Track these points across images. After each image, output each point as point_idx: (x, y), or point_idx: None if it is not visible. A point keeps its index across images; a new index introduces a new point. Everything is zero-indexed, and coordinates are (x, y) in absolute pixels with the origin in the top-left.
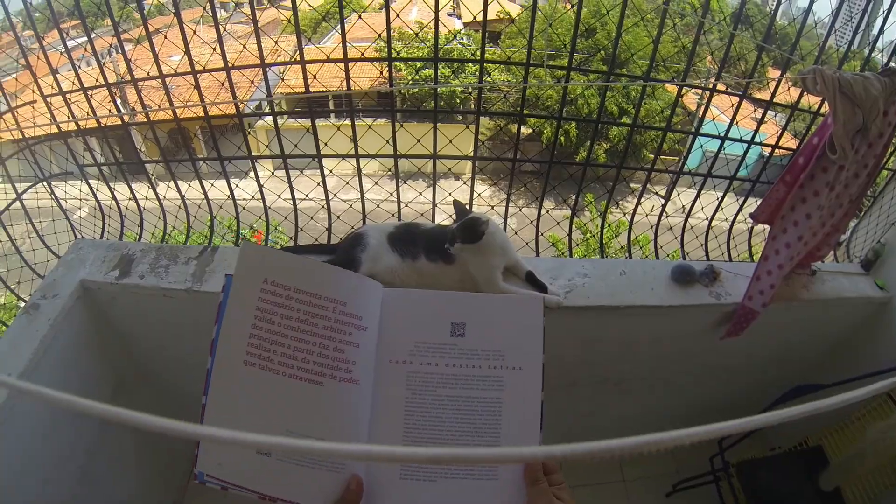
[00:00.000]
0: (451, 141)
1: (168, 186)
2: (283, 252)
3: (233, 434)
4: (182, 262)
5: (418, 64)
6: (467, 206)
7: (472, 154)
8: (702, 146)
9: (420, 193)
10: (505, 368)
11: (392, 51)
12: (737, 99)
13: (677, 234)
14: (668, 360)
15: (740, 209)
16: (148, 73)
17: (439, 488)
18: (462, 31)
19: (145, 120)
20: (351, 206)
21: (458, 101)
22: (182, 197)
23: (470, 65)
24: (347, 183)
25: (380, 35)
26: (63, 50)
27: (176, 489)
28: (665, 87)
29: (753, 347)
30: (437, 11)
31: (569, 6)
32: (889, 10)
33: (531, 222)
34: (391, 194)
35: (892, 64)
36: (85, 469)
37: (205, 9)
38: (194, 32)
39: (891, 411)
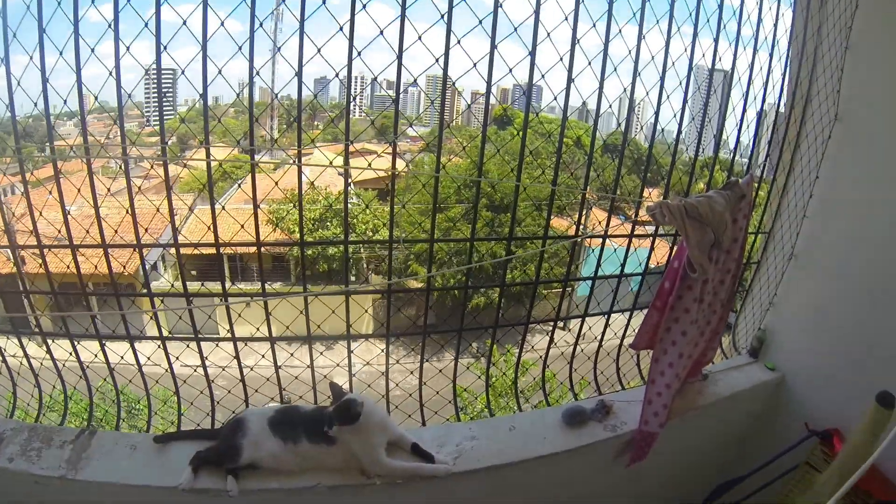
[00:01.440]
0: (319, 326)
1: (41, 362)
2: None
3: None
4: (57, 445)
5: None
6: (344, 386)
7: (345, 333)
8: (576, 287)
9: (296, 377)
10: None
11: (278, 213)
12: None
13: (577, 368)
14: (582, 501)
15: (623, 338)
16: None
17: None
18: (352, 190)
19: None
20: (230, 391)
21: (351, 263)
22: (59, 373)
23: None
24: (224, 369)
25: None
26: None
27: None
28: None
29: (664, 464)
30: (301, 204)
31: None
32: (720, 130)
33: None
34: (267, 379)
35: (737, 160)
36: None
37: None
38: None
39: (813, 478)
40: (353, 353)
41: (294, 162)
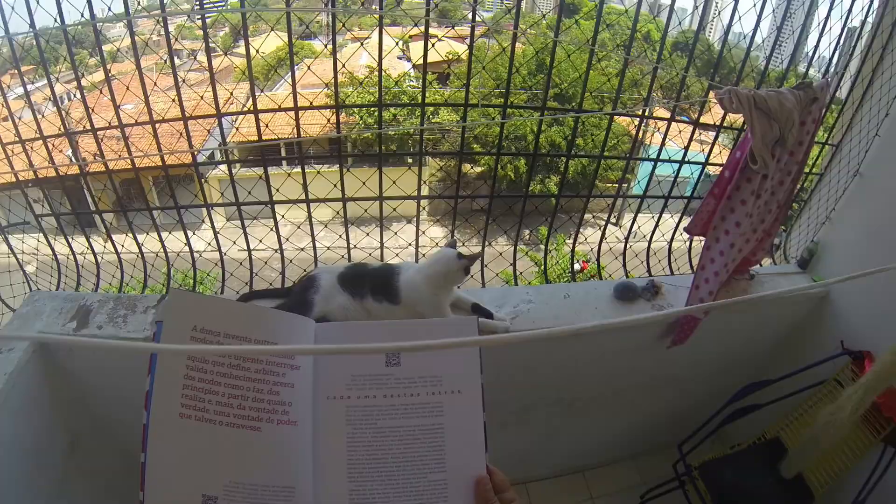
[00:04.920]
0: (394, 182)
1: (125, 237)
2: (210, 297)
3: None
4: (140, 310)
5: (370, 108)
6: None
7: (416, 194)
8: (635, 170)
9: (367, 234)
10: (443, 394)
11: (340, 98)
12: (683, 124)
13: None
14: (618, 375)
15: (677, 226)
16: (109, 123)
17: None
18: (411, 74)
19: (103, 169)
20: (303, 250)
21: (410, 143)
22: (139, 246)
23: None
24: (299, 227)
25: (326, 84)
26: (17, 95)
27: None
28: (615, 117)
29: (701, 353)
30: (380, 61)
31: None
32: (801, 30)
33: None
34: (340, 236)
35: (809, 76)
36: None
37: (161, 57)
38: (155, 84)
39: (839, 395)
40: (404, 239)
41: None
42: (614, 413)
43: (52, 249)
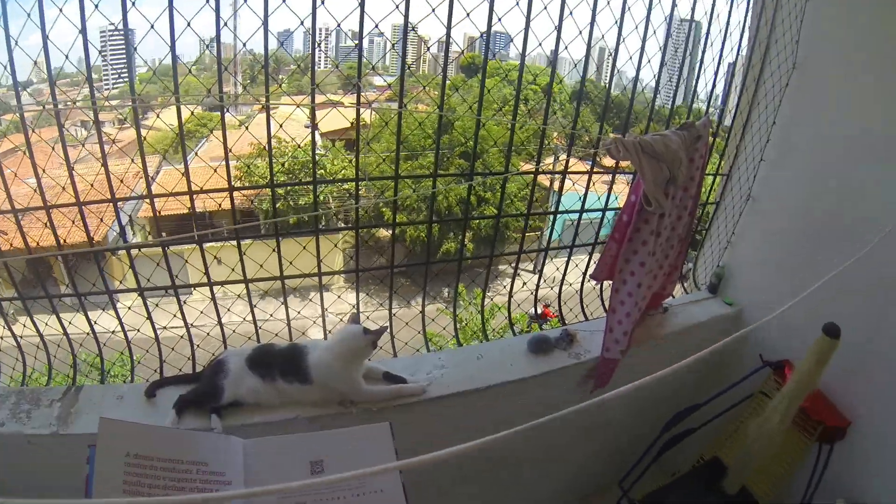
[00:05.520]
0: (291, 263)
1: (23, 326)
2: (140, 425)
3: None
4: (45, 405)
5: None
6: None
7: (316, 271)
8: (551, 224)
9: (270, 315)
10: (368, 493)
11: (249, 168)
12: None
13: (539, 303)
14: (549, 427)
15: (585, 271)
16: None
17: None
18: (318, 142)
19: None
20: (208, 334)
21: (320, 213)
22: (40, 335)
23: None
24: (202, 312)
25: (216, 169)
26: None
27: None
28: (519, 167)
29: (626, 392)
30: (269, 141)
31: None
32: (698, 74)
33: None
34: (244, 319)
35: (711, 110)
36: None
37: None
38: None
39: (766, 406)
40: (323, 306)
41: (263, 105)
42: (549, 462)
43: None
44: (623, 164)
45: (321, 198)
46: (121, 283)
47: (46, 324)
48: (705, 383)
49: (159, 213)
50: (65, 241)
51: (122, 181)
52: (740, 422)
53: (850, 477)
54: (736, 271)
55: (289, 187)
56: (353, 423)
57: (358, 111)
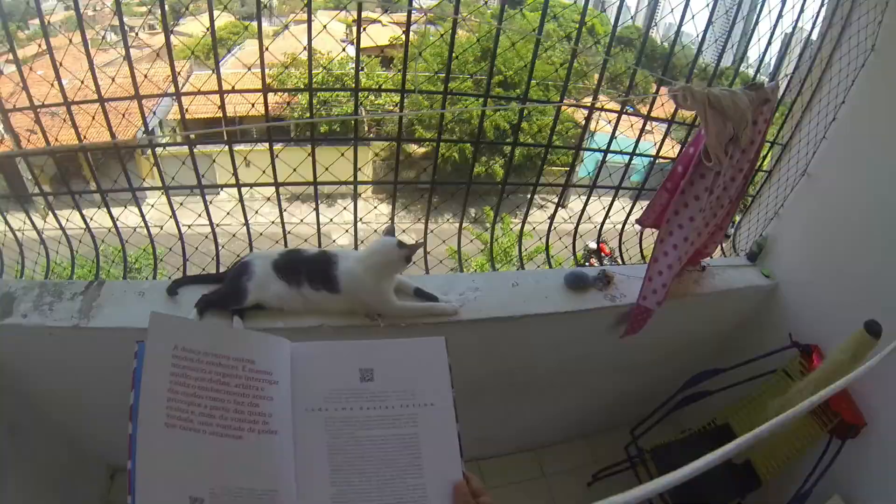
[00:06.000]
0: (326, 169)
1: (45, 221)
2: (191, 321)
3: None
4: (67, 298)
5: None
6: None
7: (352, 179)
8: (586, 157)
9: (301, 220)
10: (417, 406)
11: (280, 79)
12: (633, 116)
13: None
14: (573, 361)
15: (629, 215)
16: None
17: None
18: (353, 56)
19: (17, 151)
20: (234, 235)
21: (351, 124)
22: (63, 230)
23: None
24: (228, 213)
25: (249, 68)
26: None
27: None
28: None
29: (654, 342)
30: (310, 41)
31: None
32: (752, 32)
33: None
34: (273, 222)
35: (758, 79)
36: None
37: (98, 32)
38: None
39: (788, 386)
40: (357, 215)
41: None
42: (568, 395)
43: None
44: (682, 114)
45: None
46: (143, 181)
47: (67, 219)
48: (729, 349)
49: (189, 114)
50: (85, 137)
51: (146, 76)
52: (758, 394)
53: (851, 475)
54: (778, 244)
55: (327, 92)
56: (381, 336)
57: (409, 15)
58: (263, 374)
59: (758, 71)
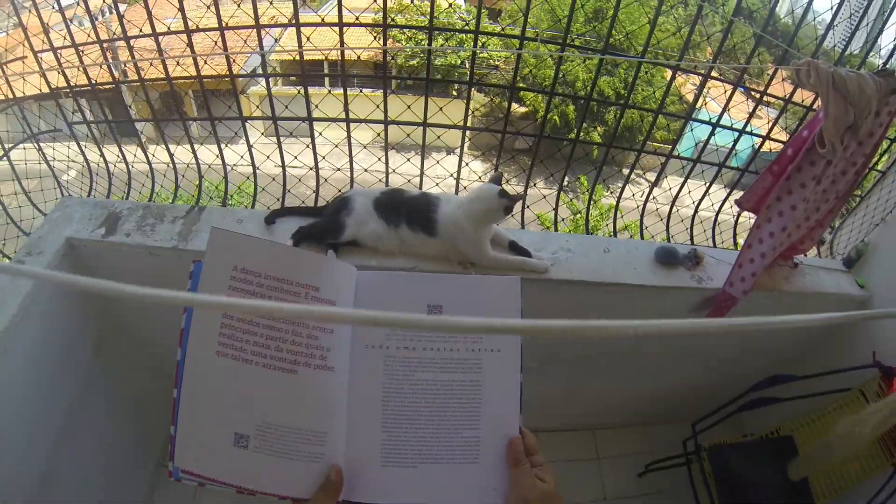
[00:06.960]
0: (441, 109)
1: (155, 148)
2: (253, 238)
3: None
4: (169, 220)
5: (419, 36)
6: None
7: (462, 124)
8: (692, 131)
9: (408, 160)
10: (483, 351)
11: (388, 19)
12: (742, 95)
13: (664, 219)
14: (648, 339)
15: (727, 197)
16: (141, 31)
17: (420, 474)
18: (462, 6)
19: (137, 79)
20: (339, 169)
21: (457, 76)
22: (171, 156)
23: (469, 39)
24: (336, 146)
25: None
26: (55, 7)
27: (147, 486)
28: (664, 76)
29: (732, 335)
30: None
31: None
32: (889, 13)
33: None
34: (379, 159)
35: (889, 66)
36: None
37: None
38: None
39: (861, 407)
40: (446, 169)
41: None
42: (635, 377)
43: (85, 157)
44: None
45: (458, 62)
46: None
47: (178, 145)
48: (809, 357)
49: (290, 57)
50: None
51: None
52: (828, 411)
53: None
54: (879, 253)
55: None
56: None
57: None
58: (327, 302)
59: (890, 56)
